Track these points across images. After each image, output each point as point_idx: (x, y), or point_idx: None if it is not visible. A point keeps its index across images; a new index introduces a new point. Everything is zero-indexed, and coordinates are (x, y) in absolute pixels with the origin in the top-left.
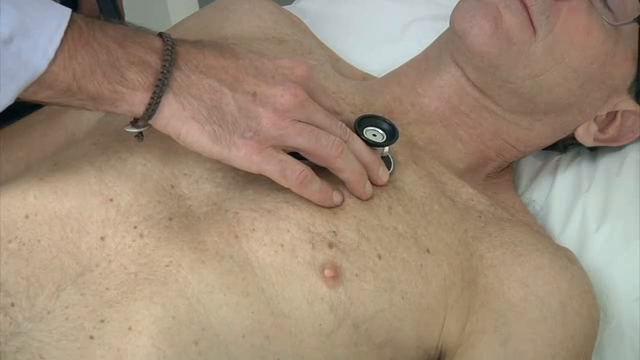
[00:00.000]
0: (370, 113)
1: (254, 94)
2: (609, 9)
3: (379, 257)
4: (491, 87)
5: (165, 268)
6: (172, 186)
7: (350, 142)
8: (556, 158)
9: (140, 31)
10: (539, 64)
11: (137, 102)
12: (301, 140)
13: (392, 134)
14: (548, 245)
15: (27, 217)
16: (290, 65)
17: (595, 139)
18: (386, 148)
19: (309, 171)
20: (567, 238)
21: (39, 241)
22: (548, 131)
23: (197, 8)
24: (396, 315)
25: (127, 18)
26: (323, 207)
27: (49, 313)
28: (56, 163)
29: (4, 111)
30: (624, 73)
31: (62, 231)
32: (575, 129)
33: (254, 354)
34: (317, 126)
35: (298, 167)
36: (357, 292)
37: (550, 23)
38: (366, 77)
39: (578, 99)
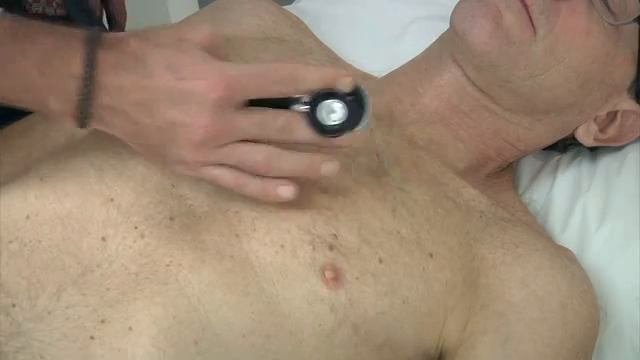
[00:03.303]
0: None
1: (173, 123)
2: (609, 9)
3: (380, 261)
4: (491, 87)
5: (165, 268)
6: (173, 185)
7: (294, 132)
8: (556, 158)
9: (62, 46)
10: (539, 64)
11: (68, 123)
12: (228, 164)
13: (358, 106)
14: (548, 245)
15: (28, 217)
16: (204, 88)
17: (595, 139)
18: (366, 111)
19: (240, 174)
20: (567, 238)
21: (40, 241)
22: (548, 131)
23: (197, 8)
24: (397, 318)
25: (127, 18)
26: (322, 209)
27: (50, 313)
28: (57, 163)
29: (4, 111)
30: (624, 73)
31: (63, 231)
32: (575, 129)
33: (254, 354)
34: (248, 139)
35: (232, 175)
36: (358, 295)
37: (550, 23)
38: (366, 77)
39: (578, 99)
